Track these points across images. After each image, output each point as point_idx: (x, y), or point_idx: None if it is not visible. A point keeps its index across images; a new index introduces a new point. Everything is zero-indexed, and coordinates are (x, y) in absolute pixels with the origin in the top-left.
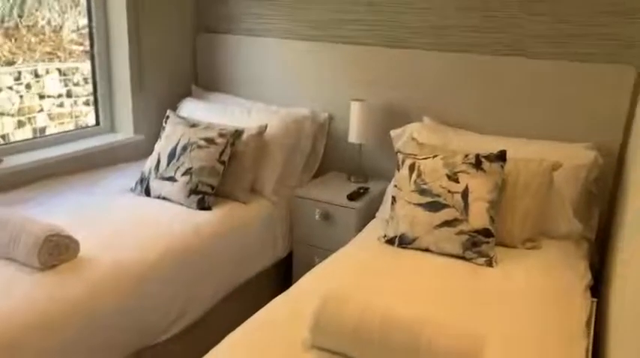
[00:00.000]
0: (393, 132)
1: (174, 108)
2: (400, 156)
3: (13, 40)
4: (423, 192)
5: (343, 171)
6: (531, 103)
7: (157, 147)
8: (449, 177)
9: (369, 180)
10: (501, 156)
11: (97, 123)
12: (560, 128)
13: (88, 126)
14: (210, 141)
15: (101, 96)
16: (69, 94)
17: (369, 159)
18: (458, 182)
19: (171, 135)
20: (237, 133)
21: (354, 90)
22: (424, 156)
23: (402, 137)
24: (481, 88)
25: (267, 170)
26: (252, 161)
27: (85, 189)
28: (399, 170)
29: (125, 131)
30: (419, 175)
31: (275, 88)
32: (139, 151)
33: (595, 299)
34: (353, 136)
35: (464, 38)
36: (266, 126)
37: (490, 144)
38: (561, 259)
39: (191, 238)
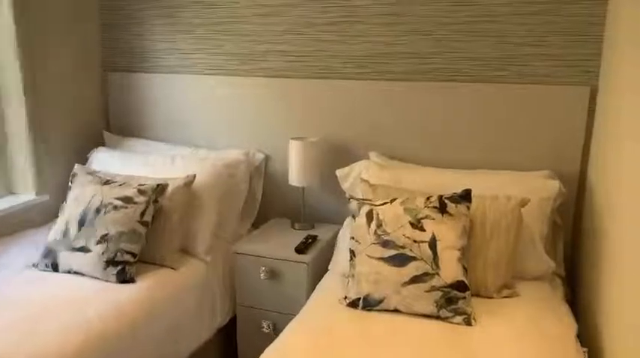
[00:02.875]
0: (339, 172)
1: (85, 160)
2: (355, 204)
3: None
4: (385, 244)
5: (286, 217)
6: (483, 131)
7: (64, 211)
8: (413, 225)
9: (315, 225)
10: (466, 196)
11: None
12: (515, 155)
13: None
14: (127, 200)
15: None
16: None
17: (313, 202)
18: (423, 230)
19: (81, 196)
20: (160, 188)
21: (291, 127)
22: (381, 202)
23: (349, 177)
24: (428, 118)
25: (199, 226)
26: (180, 218)
27: None
28: (354, 219)
29: (25, 192)
30: (379, 225)
31: (201, 129)
32: (45, 215)
33: (586, 349)
34: (294, 179)
35: (405, 65)
36: (194, 176)
37: (446, 180)
38: (542, 306)
39: (112, 320)
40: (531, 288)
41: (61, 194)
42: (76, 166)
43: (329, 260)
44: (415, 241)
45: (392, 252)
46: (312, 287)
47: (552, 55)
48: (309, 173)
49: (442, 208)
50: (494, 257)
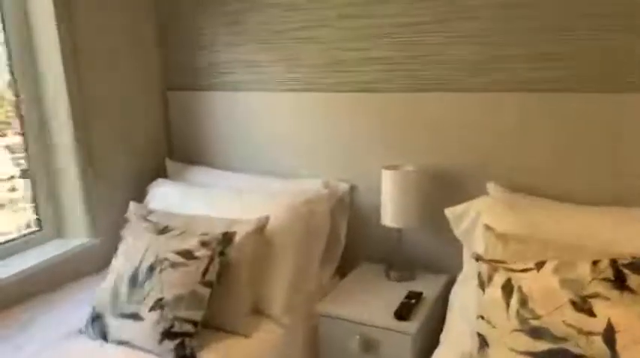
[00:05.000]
0: (449, 213)
1: (143, 194)
2: (484, 268)
3: None
4: (535, 332)
5: (377, 260)
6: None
7: (114, 266)
8: (576, 306)
9: (415, 275)
10: None
11: (40, 226)
12: None
13: (25, 234)
14: (187, 255)
15: (40, 189)
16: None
17: (410, 245)
18: (593, 315)
19: (132, 248)
20: (227, 238)
21: (383, 153)
22: (523, 267)
23: (465, 219)
24: (563, 138)
25: (274, 280)
26: (250, 272)
27: (14, 334)
28: (483, 288)
29: (76, 234)
30: (523, 302)
31: (273, 155)
32: (98, 262)
33: None
34: (388, 218)
35: (527, 71)
36: (267, 218)
37: (598, 226)
38: None
39: None
40: None
41: (115, 237)
42: (132, 205)
43: (437, 323)
44: (582, 332)
45: (546, 346)
46: None
47: None
48: (408, 211)
49: (619, 281)
50: None
